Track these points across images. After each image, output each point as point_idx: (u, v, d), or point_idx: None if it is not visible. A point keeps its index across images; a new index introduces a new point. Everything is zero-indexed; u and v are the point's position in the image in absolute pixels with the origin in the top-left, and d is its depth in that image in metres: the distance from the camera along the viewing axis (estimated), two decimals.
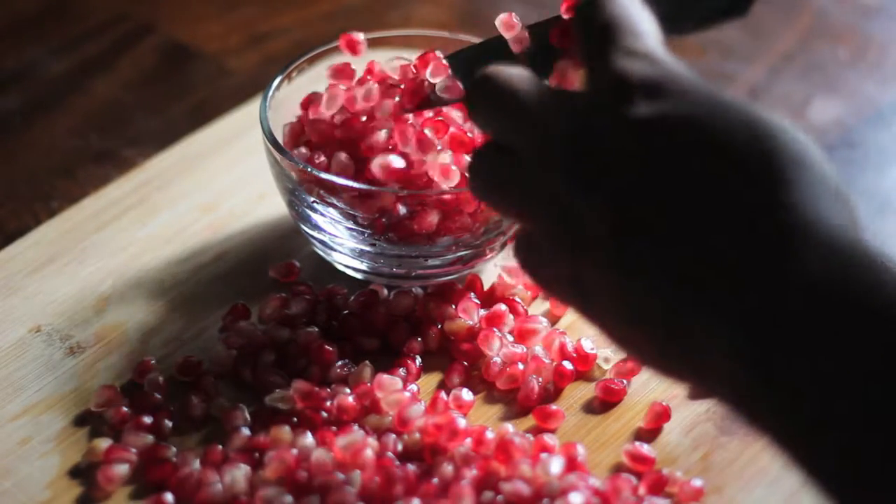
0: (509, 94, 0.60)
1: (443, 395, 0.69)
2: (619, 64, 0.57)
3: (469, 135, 0.71)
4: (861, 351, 0.50)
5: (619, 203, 0.55)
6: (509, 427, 0.67)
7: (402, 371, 0.70)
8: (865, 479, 0.49)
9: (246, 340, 0.71)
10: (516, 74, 0.60)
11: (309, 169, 0.71)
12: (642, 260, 0.54)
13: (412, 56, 0.73)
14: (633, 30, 0.59)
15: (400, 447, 0.66)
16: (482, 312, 0.73)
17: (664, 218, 0.54)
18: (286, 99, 0.76)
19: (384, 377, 0.69)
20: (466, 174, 0.63)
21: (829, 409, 0.50)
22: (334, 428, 0.67)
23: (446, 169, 0.70)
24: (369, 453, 0.65)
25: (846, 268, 0.51)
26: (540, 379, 0.70)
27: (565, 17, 0.66)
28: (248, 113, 0.88)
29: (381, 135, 0.70)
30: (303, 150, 0.73)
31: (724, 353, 0.52)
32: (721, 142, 0.54)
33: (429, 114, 0.71)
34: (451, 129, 0.71)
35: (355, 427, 0.67)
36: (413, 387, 0.69)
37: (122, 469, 0.65)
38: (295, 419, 0.67)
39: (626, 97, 0.56)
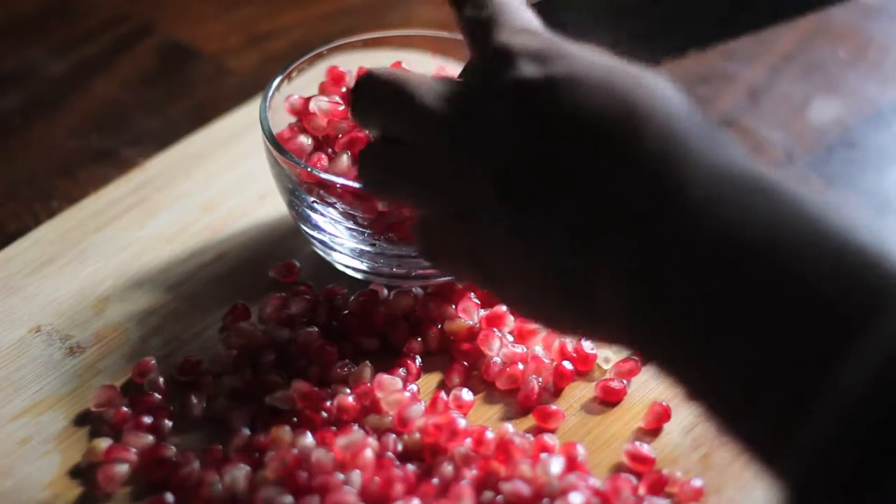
0: (391, 88, 0.62)
1: (443, 395, 0.69)
2: (502, 38, 0.60)
3: None
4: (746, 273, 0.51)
5: (503, 167, 0.57)
6: (509, 427, 0.67)
7: (402, 371, 0.70)
8: (752, 402, 0.50)
9: (246, 340, 0.71)
10: (395, 71, 0.63)
11: (309, 169, 0.71)
12: (530, 219, 0.57)
13: (411, 57, 0.73)
14: (512, 13, 0.62)
15: (400, 447, 0.66)
16: (482, 312, 0.73)
17: (545, 174, 0.56)
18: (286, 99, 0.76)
19: (384, 377, 0.69)
20: (358, 171, 0.66)
21: (719, 331, 0.51)
22: (334, 428, 0.67)
23: None
24: (369, 453, 0.65)
25: (713, 188, 0.53)
26: (540, 379, 0.70)
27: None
28: (248, 113, 0.88)
29: None
30: (303, 146, 0.73)
31: (619, 294, 0.54)
32: (593, 96, 0.56)
33: None
34: None
35: (355, 427, 0.66)
36: (413, 387, 0.69)
37: (122, 469, 0.65)
38: (295, 419, 0.67)
39: (507, 65, 0.58)
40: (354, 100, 0.64)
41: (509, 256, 0.58)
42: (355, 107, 0.64)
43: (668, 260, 0.53)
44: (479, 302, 0.73)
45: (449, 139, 0.59)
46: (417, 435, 0.66)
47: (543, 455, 0.65)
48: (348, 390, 0.68)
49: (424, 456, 0.66)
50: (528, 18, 0.62)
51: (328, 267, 0.76)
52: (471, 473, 0.64)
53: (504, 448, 0.65)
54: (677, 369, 0.54)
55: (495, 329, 0.72)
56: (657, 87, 0.56)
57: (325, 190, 0.71)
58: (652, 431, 0.68)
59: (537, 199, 0.56)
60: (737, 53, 0.98)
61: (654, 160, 0.54)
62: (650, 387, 0.70)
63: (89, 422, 0.68)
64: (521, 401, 0.70)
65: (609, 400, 0.70)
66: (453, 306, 0.73)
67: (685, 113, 0.55)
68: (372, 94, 0.63)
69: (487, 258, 0.60)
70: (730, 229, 0.52)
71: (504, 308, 0.73)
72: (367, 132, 0.70)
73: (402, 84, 0.62)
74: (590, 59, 0.58)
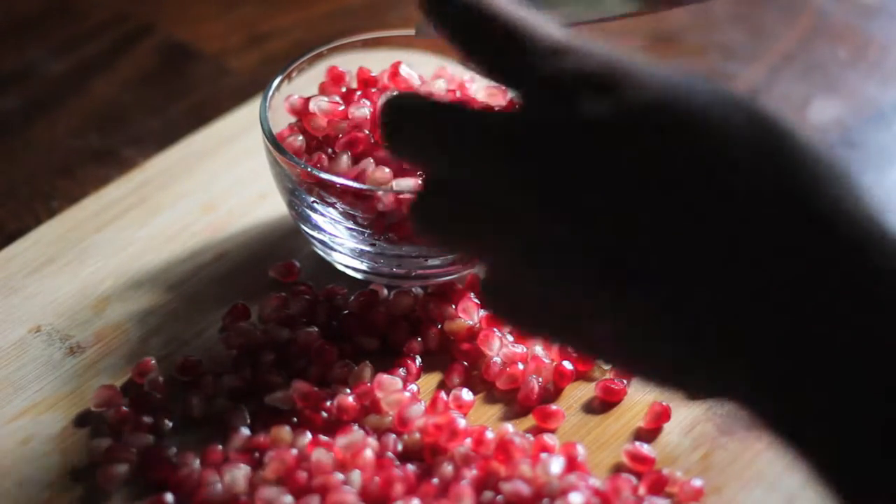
0: (431, 123, 0.51)
1: (443, 395, 0.69)
2: (544, 65, 0.49)
3: None
4: None
5: (602, 232, 0.46)
6: (509, 427, 0.67)
7: (401, 371, 0.70)
8: None
9: (246, 340, 0.71)
10: (436, 100, 0.52)
11: (309, 169, 0.71)
12: (646, 303, 0.46)
13: (412, 57, 0.73)
14: (536, 26, 0.51)
15: (400, 447, 0.66)
16: (482, 312, 0.73)
17: (664, 249, 0.45)
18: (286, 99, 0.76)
19: (384, 377, 0.69)
20: (410, 218, 0.55)
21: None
22: (333, 429, 0.67)
23: None
24: (369, 453, 0.65)
25: None
26: (540, 379, 0.70)
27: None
28: (248, 113, 0.88)
29: None
30: (303, 146, 0.73)
31: (762, 391, 0.46)
32: (713, 136, 0.45)
33: None
34: None
35: (355, 427, 0.66)
36: (413, 386, 0.69)
37: (122, 469, 0.65)
38: (295, 419, 0.67)
39: (566, 102, 0.47)
40: (389, 132, 0.54)
41: (615, 332, 0.48)
42: (391, 140, 0.54)
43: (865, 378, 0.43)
44: (478, 302, 0.73)
45: (524, 194, 0.48)
46: (417, 435, 0.66)
47: (543, 455, 0.65)
48: (348, 390, 0.68)
49: (424, 456, 0.66)
50: (550, 24, 0.51)
51: (328, 267, 0.76)
52: (470, 473, 0.64)
53: (504, 448, 0.65)
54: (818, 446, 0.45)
55: (495, 329, 0.72)
56: (773, 112, 0.46)
57: (325, 190, 0.71)
58: (652, 431, 0.68)
59: (656, 287, 0.45)
60: (737, 53, 0.98)
61: (832, 231, 0.44)
62: (650, 387, 0.70)
63: (89, 422, 0.68)
64: (521, 401, 0.69)
65: (609, 400, 0.70)
66: (453, 306, 0.73)
67: (823, 149, 0.46)
68: (412, 131, 0.53)
69: (581, 328, 0.49)
70: None
71: None
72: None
73: (448, 119, 0.51)
74: (664, 76, 0.46)
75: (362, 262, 0.74)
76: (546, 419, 0.68)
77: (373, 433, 0.67)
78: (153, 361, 0.70)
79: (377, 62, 0.76)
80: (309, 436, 0.66)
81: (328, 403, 0.67)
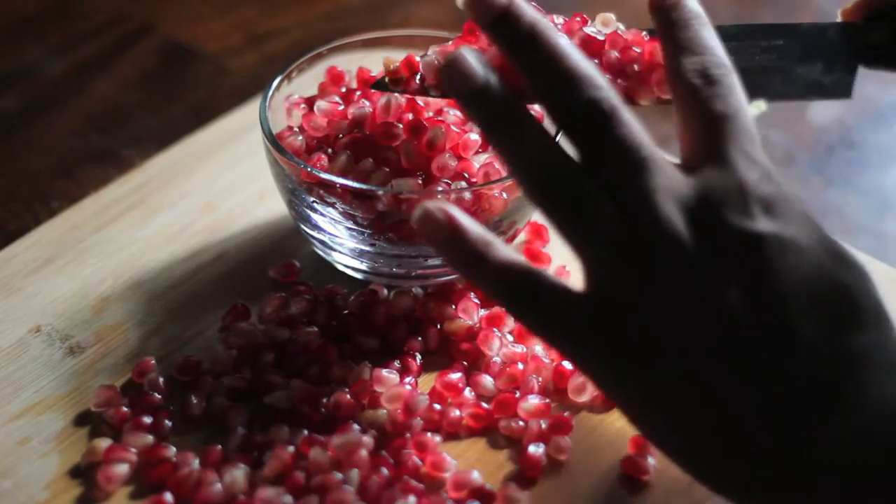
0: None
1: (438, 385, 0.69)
2: (740, 169, 0.58)
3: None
4: None
5: (729, 319, 0.56)
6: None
7: (396, 363, 0.70)
8: None
9: (246, 340, 0.71)
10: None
11: (309, 169, 0.71)
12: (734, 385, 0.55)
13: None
14: (750, 132, 0.60)
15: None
16: (482, 312, 0.73)
17: (776, 351, 0.55)
18: (286, 99, 0.76)
19: (381, 372, 0.69)
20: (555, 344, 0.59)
21: None
22: (331, 426, 0.67)
23: (443, 166, 0.70)
24: (364, 452, 0.65)
25: None
26: (540, 379, 0.70)
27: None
28: (248, 113, 0.88)
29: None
30: (302, 146, 0.73)
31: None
32: (828, 281, 0.56)
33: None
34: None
35: (355, 427, 0.66)
36: (410, 379, 0.69)
37: (122, 469, 0.65)
38: (294, 419, 0.67)
39: (739, 208, 0.57)
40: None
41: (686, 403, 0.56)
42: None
43: None
44: (478, 302, 0.73)
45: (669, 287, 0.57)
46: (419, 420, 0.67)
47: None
48: (347, 390, 0.68)
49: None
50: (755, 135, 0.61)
51: (328, 267, 0.76)
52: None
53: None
54: None
55: (495, 329, 0.72)
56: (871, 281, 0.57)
57: (325, 190, 0.71)
58: None
59: (760, 373, 0.55)
60: None
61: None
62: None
63: (89, 422, 0.68)
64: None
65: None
66: (453, 306, 0.73)
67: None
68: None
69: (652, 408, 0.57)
70: None
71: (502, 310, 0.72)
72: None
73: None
74: (812, 225, 0.57)
75: (362, 262, 0.74)
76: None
77: (369, 429, 0.67)
78: (153, 361, 0.70)
79: (377, 62, 0.76)
80: (306, 434, 0.66)
81: (325, 400, 0.68)
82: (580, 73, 0.59)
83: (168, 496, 0.63)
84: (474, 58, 0.60)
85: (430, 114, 0.73)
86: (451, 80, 0.61)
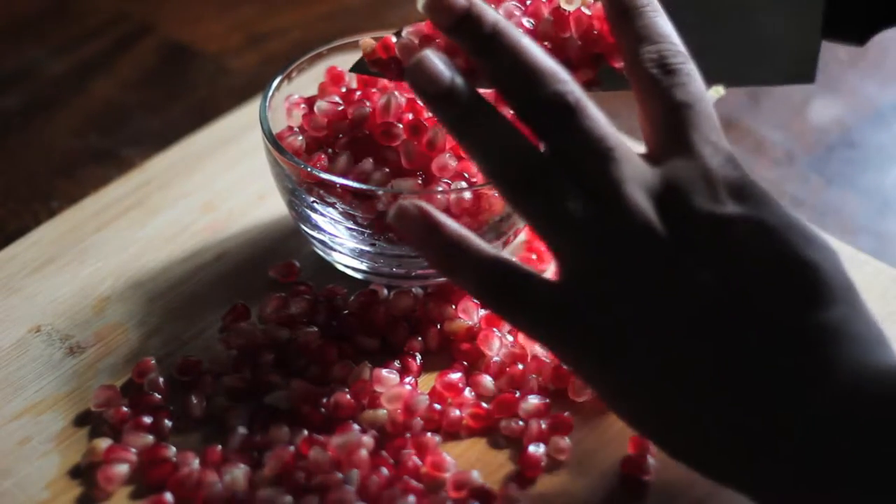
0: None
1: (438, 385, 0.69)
2: (705, 155, 0.60)
3: None
4: None
5: (695, 304, 0.57)
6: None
7: (396, 363, 0.70)
8: None
9: (246, 340, 0.71)
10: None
11: (309, 169, 0.71)
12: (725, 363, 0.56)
13: None
14: (712, 119, 0.62)
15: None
16: (482, 312, 0.73)
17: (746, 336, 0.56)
18: (286, 99, 0.76)
19: (381, 372, 0.69)
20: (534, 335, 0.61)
21: None
22: (331, 426, 0.67)
23: (444, 166, 0.70)
24: (364, 452, 0.65)
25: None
26: (540, 379, 0.70)
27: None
28: (248, 113, 0.88)
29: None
30: (302, 146, 0.73)
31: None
32: (793, 261, 0.57)
33: None
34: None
35: (355, 427, 0.66)
36: (410, 379, 0.69)
37: (122, 469, 0.65)
38: (294, 419, 0.67)
39: (709, 195, 0.59)
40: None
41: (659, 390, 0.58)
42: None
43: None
44: (478, 302, 0.73)
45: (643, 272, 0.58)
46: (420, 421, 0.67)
47: None
48: (347, 390, 0.68)
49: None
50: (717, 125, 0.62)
51: (328, 267, 0.76)
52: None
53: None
54: None
55: (495, 329, 0.72)
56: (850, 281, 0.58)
57: (325, 190, 0.71)
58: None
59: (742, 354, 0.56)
60: None
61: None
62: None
63: (89, 422, 0.68)
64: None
65: None
66: (453, 306, 0.73)
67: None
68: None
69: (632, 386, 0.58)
70: None
71: None
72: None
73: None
74: (779, 207, 0.59)
75: (362, 262, 0.74)
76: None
77: (369, 428, 0.67)
78: (153, 361, 0.70)
79: None
80: (306, 434, 0.66)
81: (325, 400, 0.68)
82: (543, 68, 0.61)
83: (168, 496, 0.63)
84: (439, 59, 0.61)
85: (431, 113, 0.73)
86: (416, 81, 0.61)
